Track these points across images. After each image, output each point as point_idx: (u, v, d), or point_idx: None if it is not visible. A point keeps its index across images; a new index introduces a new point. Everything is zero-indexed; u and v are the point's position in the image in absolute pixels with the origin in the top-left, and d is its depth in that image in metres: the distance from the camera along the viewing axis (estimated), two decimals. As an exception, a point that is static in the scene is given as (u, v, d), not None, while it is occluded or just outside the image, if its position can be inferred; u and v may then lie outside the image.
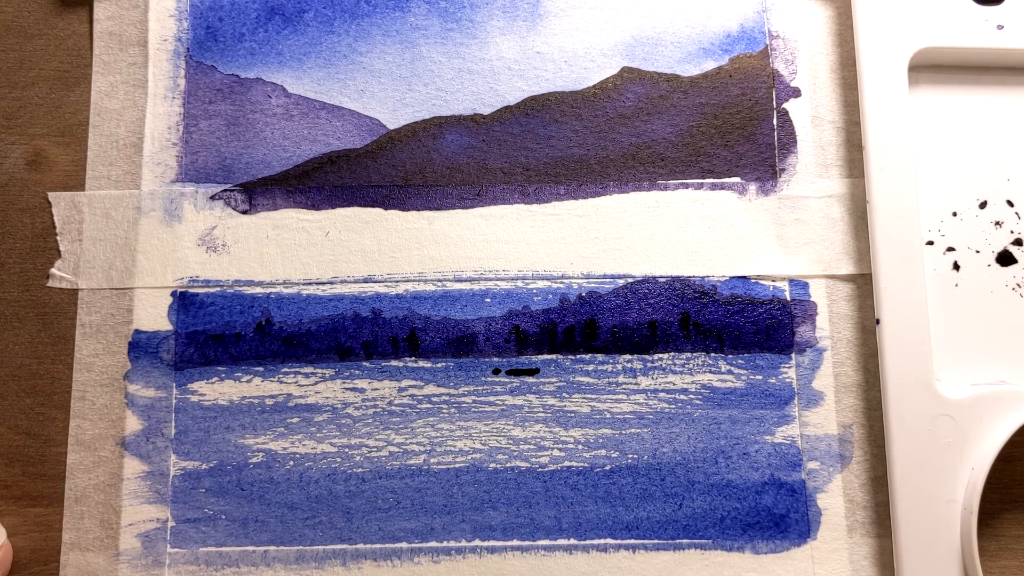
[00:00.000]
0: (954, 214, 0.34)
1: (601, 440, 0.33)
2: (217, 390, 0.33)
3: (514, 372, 0.33)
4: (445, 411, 0.33)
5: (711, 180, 0.35)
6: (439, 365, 0.33)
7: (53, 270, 0.34)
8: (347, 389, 0.33)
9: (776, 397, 0.33)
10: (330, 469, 0.33)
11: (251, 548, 0.32)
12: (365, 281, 0.34)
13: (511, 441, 0.33)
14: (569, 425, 0.33)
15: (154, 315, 0.34)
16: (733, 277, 0.34)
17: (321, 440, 0.33)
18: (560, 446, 0.33)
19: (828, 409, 0.33)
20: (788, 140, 0.35)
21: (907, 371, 0.31)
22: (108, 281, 0.34)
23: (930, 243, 0.34)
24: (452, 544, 0.32)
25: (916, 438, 0.31)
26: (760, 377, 0.33)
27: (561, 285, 0.34)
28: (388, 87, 0.35)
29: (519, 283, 0.34)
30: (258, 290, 0.34)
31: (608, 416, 0.33)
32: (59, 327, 0.34)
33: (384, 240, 0.34)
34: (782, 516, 0.32)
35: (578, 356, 0.33)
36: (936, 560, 0.30)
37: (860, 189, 0.34)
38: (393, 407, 0.33)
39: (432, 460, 0.33)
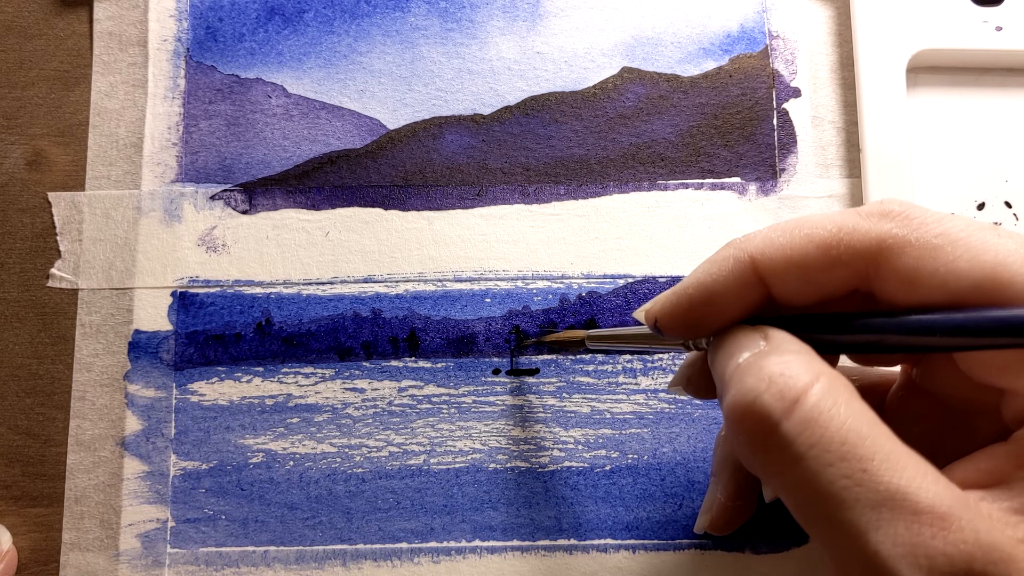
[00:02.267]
0: (952, 215, 0.34)
1: (601, 440, 0.33)
2: (217, 390, 0.33)
3: (514, 372, 0.33)
4: (445, 411, 0.33)
5: (711, 180, 0.35)
6: (439, 365, 0.33)
7: (53, 270, 0.34)
8: (347, 389, 0.33)
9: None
10: (330, 469, 0.33)
11: (251, 548, 0.32)
12: (365, 281, 0.34)
13: (511, 441, 0.33)
14: (569, 425, 0.33)
15: (154, 315, 0.34)
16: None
17: (321, 440, 0.33)
18: (560, 446, 0.33)
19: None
20: (788, 140, 0.35)
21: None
22: (108, 281, 0.34)
23: (929, 243, 0.34)
24: (452, 544, 0.32)
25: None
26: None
27: (561, 285, 0.34)
28: (388, 87, 0.35)
29: (519, 283, 0.34)
30: (258, 290, 0.34)
31: (608, 416, 0.33)
32: (59, 327, 0.34)
33: (384, 240, 0.34)
34: (782, 515, 0.32)
35: (578, 356, 0.33)
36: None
37: (860, 190, 0.34)
38: (393, 407, 0.33)
39: (432, 460, 0.33)
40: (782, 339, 0.21)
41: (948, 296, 0.20)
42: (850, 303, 0.23)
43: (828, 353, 0.23)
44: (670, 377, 0.33)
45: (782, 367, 0.20)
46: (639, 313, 0.25)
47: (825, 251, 0.22)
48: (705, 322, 0.23)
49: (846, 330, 0.22)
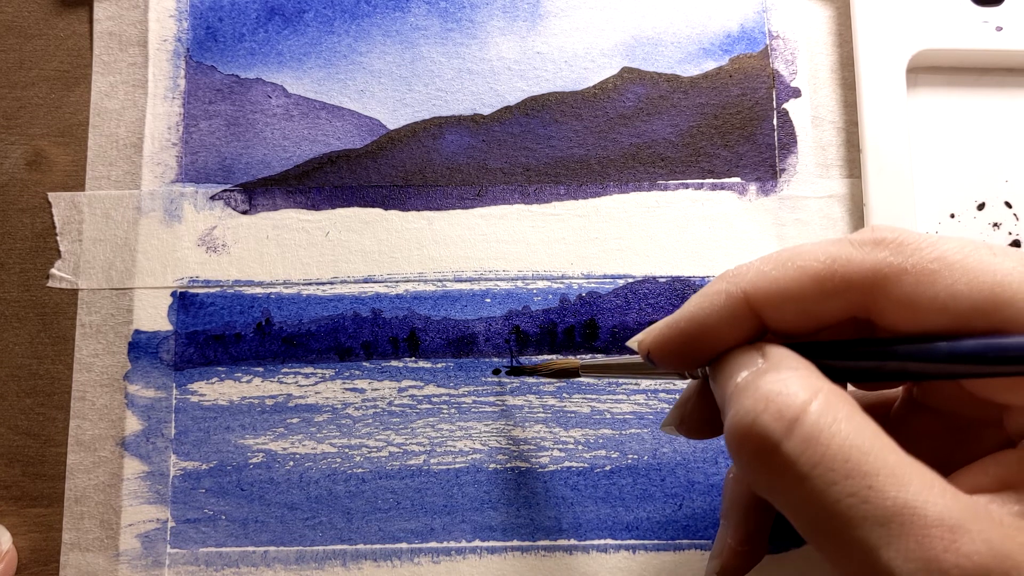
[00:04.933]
0: (952, 216, 0.34)
1: (601, 440, 0.33)
2: (217, 390, 0.33)
3: (514, 372, 0.33)
4: (445, 411, 0.33)
5: (711, 180, 0.35)
6: (439, 365, 0.33)
7: (53, 270, 0.34)
8: (347, 389, 0.33)
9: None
10: (330, 469, 0.33)
11: (251, 548, 0.32)
12: (365, 281, 0.34)
13: (511, 441, 0.33)
14: (569, 425, 0.33)
15: (154, 315, 0.34)
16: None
17: (321, 440, 0.33)
18: (560, 446, 0.33)
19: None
20: (788, 140, 0.35)
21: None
22: (108, 281, 0.34)
23: (929, 243, 0.34)
24: (452, 544, 0.32)
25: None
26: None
27: (561, 285, 0.34)
28: (388, 87, 0.35)
29: (519, 283, 0.34)
30: (258, 290, 0.34)
31: (608, 416, 0.33)
32: (59, 327, 0.34)
33: (384, 240, 0.34)
34: (782, 515, 0.32)
35: (578, 356, 0.33)
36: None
37: (860, 190, 0.34)
38: (393, 407, 0.33)
39: (432, 460, 0.33)
40: (780, 355, 0.21)
41: (949, 320, 0.20)
42: (848, 330, 0.23)
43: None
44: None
45: (779, 385, 0.19)
46: (632, 343, 0.25)
47: (819, 283, 0.21)
48: (698, 354, 0.23)
49: (848, 356, 0.21)
